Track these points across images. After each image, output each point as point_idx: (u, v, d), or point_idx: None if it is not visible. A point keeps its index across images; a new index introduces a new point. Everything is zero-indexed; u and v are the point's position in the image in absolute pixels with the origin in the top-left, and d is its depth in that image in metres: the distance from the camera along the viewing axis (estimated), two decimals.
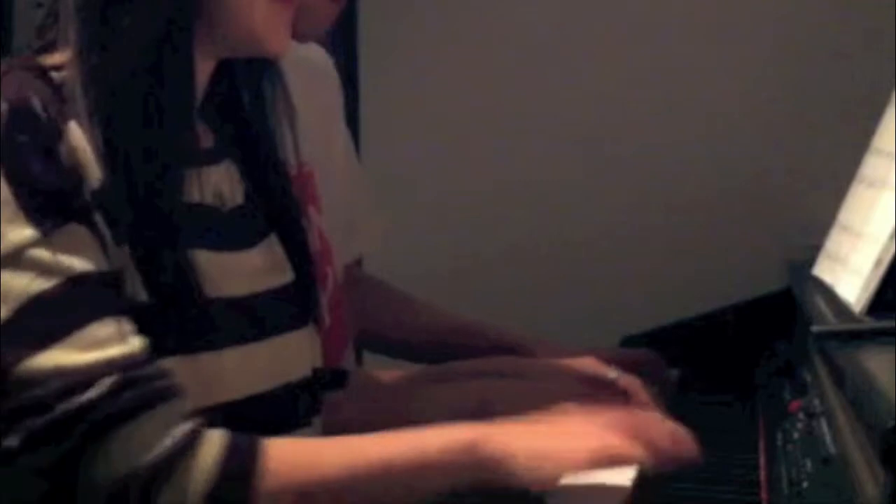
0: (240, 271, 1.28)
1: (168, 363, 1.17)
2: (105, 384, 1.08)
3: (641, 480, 1.28)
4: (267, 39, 1.25)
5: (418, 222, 2.20)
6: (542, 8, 2.15)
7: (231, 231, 1.29)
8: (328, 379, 1.47)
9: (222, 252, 1.26)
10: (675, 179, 2.12)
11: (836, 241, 1.66)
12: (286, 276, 1.36)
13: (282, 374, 1.31)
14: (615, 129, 2.15)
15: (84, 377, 1.08)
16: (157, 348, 1.17)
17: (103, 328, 1.10)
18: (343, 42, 2.25)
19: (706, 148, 2.12)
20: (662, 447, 1.19)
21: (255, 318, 1.28)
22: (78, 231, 1.12)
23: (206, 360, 1.21)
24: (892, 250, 1.41)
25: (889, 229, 1.42)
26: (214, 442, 1.09)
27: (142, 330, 1.15)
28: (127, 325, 1.12)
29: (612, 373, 1.60)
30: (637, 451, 1.16)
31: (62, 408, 1.06)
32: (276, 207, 1.36)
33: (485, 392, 1.48)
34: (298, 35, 1.58)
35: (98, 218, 1.14)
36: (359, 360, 2.09)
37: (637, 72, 2.13)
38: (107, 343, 1.10)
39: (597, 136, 2.15)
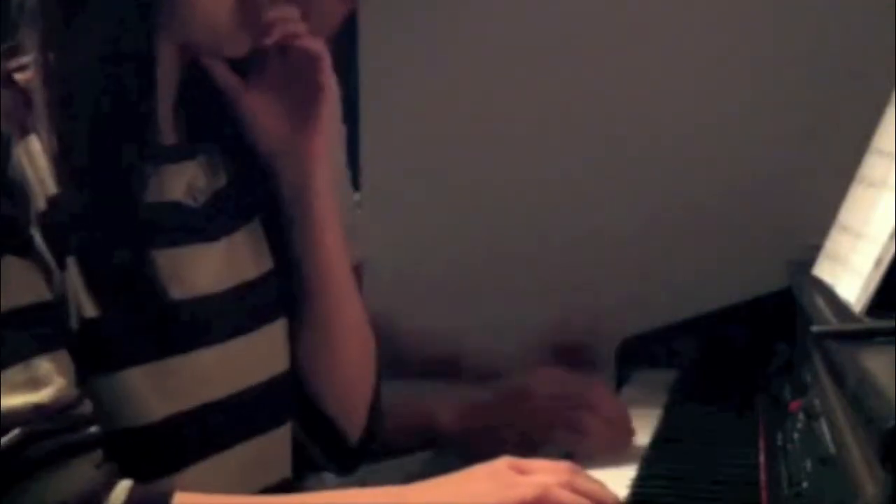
0: (214, 265, 1.26)
1: (136, 372, 1.16)
2: (14, 436, 1.05)
3: None
4: (230, 40, 1.25)
5: (418, 223, 2.20)
6: (545, 9, 2.15)
7: (204, 225, 1.27)
8: None
9: (193, 246, 1.25)
10: (674, 180, 2.12)
11: (836, 241, 1.66)
12: (265, 264, 1.34)
13: (263, 369, 1.31)
14: (615, 128, 2.14)
15: None
16: (124, 359, 1.16)
17: (23, 371, 1.07)
18: (343, 42, 2.25)
19: (705, 148, 2.11)
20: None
21: (231, 315, 1.27)
22: (13, 264, 1.10)
23: (179, 363, 1.20)
24: (892, 250, 1.41)
25: (889, 229, 1.42)
26: (119, 496, 1.07)
27: (98, 345, 1.14)
28: (52, 365, 1.09)
29: None
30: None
31: None
32: (260, 192, 1.35)
33: None
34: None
35: (40, 243, 1.12)
36: None
37: (636, 72, 2.13)
38: (25, 388, 1.07)
39: (596, 136, 2.15)
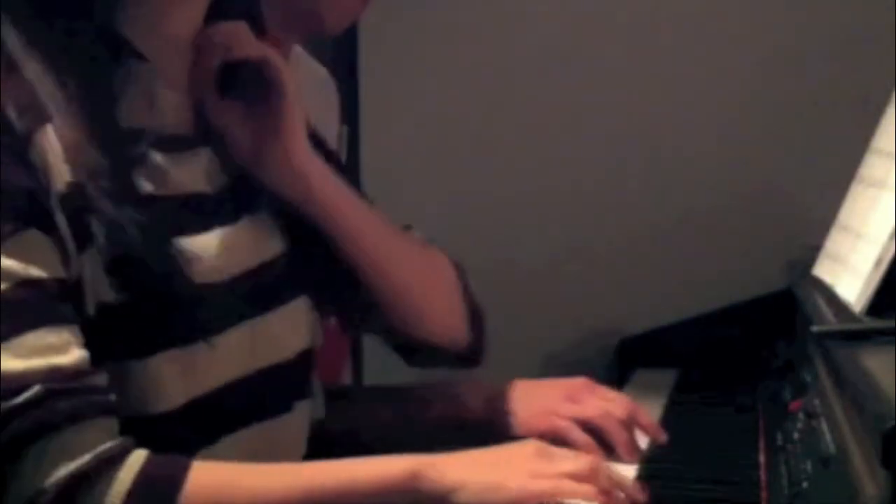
0: (230, 250, 1.26)
1: (162, 358, 1.17)
2: (34, 392, 1.05)
3: None
4: None
5: (417, 223, 2.20)
6: (546, 11, 2.16)
7: (218, 211, 1.28)
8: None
9: (209, 233, 1.25)
10: (675, 180, 2.12)
11: (836, 241, 1.66)
12: (278, 246, 1.35)
13: (286, 346, 1.31)
14: (616, 129, 2.15)
15: (15, 383, 1.05)
16: (151, 346, 1.16)
17: (43, 336, 1.08)
18: (343, 42, 2.25)
19: (706, 149, 2.12)
20: (611, 491, 1.17)
21: (251, 296, 1.27)
22: (36, 237, 1.10)
23: (202, 349, 1.20)
24: (892, 250, 1.41)
25: (889, 229, 1.43)
26: (135, 463, 1.07)
27: (124, 332, 1.15)
28: (70, 336, 1.10)
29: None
30: (584, 491, 1.14)
31: None
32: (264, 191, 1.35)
33: None
34: (326, 28, 1.59)
35: (61, 224, 1.12)
36: (357, 373, 2.09)
37: (637, 73, 2.13)
38: (45, 352, 1.08)
39: (597, 137, 2.15)
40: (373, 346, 2.06)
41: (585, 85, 2.15)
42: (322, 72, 1.79)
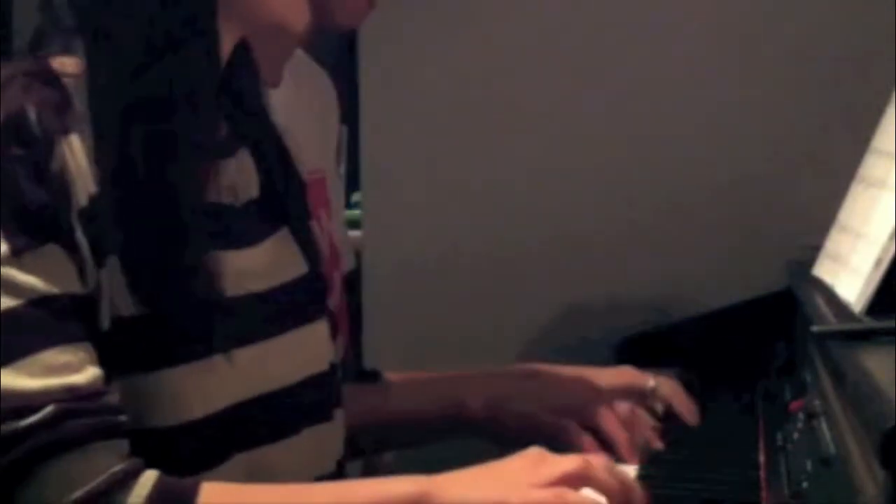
0: (253, 268, 1.26)
1: (174, 373, 1.16)
2: (48, 412, 1.06)
3: None
4: (290, 17, 1.25)
5: (417, 222, 2.20)
6: (544, 10, 2.15)
7: (244, 227, 1.28)
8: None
9: (235, 250, 1.25)
10: (674, 179, 2.12)
11: (836, 241, 1.66)
12: (300, 268, 1.35)
13: (300, 369, 1.31)
14: (616, 127, 2.14)
15: (29, 402, 1.06)
16: (159, 360, 1.16)
17: (59, 355, 1.08)
18: (343, 42, 2.25)
19: (706, 148, 2.12)
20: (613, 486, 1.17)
21: (270, 315, 1.27)
22: (54, 252, 1.11)
23: (220, 363, 1.20)
24: (892, 250, 1.41)
25: (889, 229, 1.43)
26: (146, 484, 1.07)
27: (141, 345, 1.14)
28: (85, 354, 1.10)
29: (650, 381, 1.60)
30: (585, 499, 1.14)
31: (2, 429, 1.05)
32: (286, 200, 1.35)
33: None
34: (335, 25, 1.59)
35: (80, 239, 1.12)
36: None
37: (638, 71, 2.13)
38: (59, 371, 1.08)
39: (598, 135, 2.15)
40: (373, 345, 2.07)
41: (585, 85, 2.15)
42: (322, 72, 1.79)
